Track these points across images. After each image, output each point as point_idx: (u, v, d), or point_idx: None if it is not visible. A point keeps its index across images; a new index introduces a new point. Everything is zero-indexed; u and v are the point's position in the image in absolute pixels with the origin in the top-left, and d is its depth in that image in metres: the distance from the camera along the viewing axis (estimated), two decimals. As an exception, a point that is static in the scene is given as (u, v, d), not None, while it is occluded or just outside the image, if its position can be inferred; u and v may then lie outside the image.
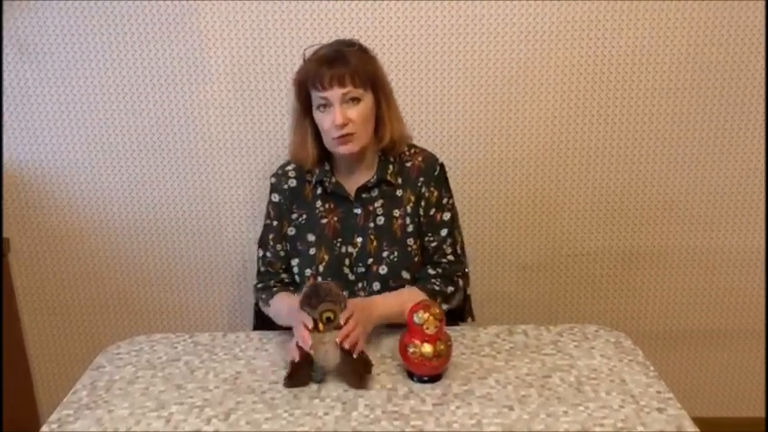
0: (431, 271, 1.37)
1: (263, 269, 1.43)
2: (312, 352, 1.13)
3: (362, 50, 1.32)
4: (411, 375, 1.15)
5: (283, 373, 1.17)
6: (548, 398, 1.09)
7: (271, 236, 1.41)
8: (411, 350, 1.12)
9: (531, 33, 1.75)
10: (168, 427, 1.04)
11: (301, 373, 1.14)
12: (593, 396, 1.09)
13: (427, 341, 1.11)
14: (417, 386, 1.13)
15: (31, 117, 1.81)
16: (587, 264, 1.94)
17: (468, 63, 1.77)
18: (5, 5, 1.72)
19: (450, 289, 1.36)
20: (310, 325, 1.14)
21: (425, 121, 1.80)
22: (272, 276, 1.42)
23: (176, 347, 1.29)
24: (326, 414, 1.06)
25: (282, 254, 1.41)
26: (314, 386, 1.14)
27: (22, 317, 1.96)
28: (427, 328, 1.11)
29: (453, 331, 1.28)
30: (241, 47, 1.76)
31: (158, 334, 1.34)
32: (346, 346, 1.13)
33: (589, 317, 1.98)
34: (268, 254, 1.41)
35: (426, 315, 1.11)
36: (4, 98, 1.79)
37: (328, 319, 1.14)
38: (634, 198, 1.89)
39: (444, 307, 1.32)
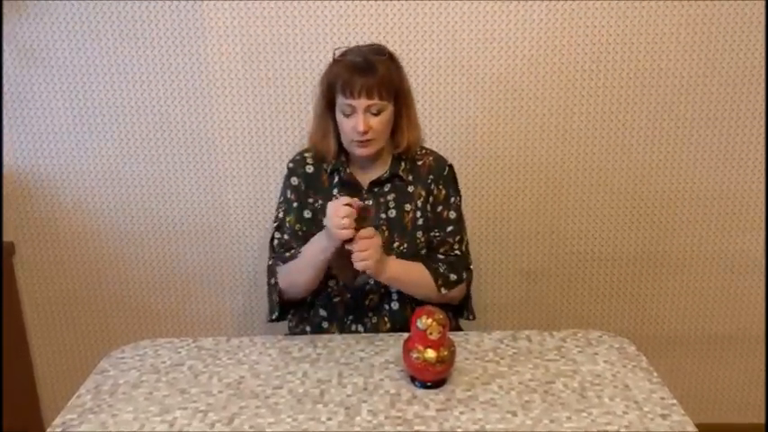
0: (439, 256, 1.41)
1: (279, 250, 1.42)
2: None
3: (391, 59, 1.35)
4: (414, 380, 1.15)
5: (288, 377, 1.18)
6: (551, 403, 1.09)
7: (289, 217, 1.42)
8: (414, 355, 1.12)
9: (537, 37, 1.75)
10: (172, 432, 1.04)
11: (346, 263, 1.26)
12: (597, 402, 1.09)
13: (431, 346, 1.11)
14: (421, 391, 1.13)
15: (34, 121, 1.82)
16: (591, 269, 1.94)
17: (475, 66, 1.77)
18: (6, 7, 1.72)
19: (453, 276, 1.39)
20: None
21: (432, 127, 1.81)
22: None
23: (180, 352, 1.29)
24: (330, 419, 1.06)
25: (300, 234, 1.41)
26: (316, 391, 1.14)
27: (26, 321, 1.96)
28: (431, 334, 1.11)
29: (457, 337, 1.29)
30: (245, 49, 1.76)
31: (162, 339, 1.34)
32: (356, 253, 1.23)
33: (592, 323, 1.98)
34: (285, 235, 1.41)
35: (430, 321, 1.11)
36: (8, 102, 1.80)
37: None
38: (638, 204, 1.89)
39: (443, 291, 1.36)
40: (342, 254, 1.25)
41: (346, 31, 1.74)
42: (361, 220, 1.22)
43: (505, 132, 1.83)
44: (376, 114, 1.30)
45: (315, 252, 1.30)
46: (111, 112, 1.81)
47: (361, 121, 1.29)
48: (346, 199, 1.22)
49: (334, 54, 1.36)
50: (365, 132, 1.29)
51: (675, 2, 1.73)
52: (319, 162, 1.43)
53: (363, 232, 1.22)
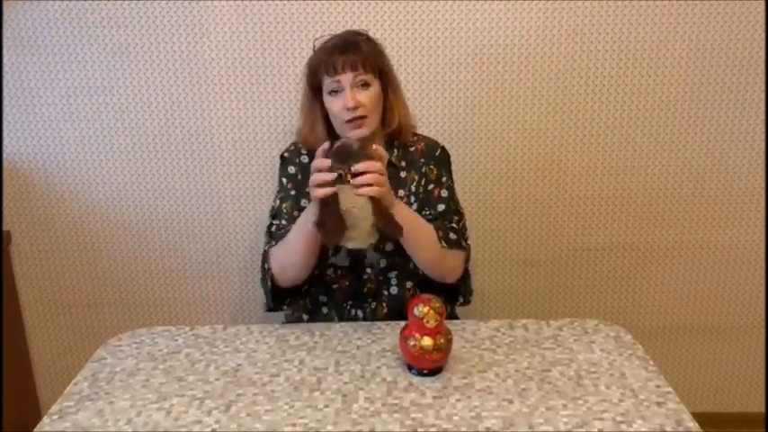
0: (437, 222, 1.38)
1: (277, 233, 1.39)
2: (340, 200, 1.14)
3: (370, 40, 1.36)
4: (411, 368, 1.15)
5: (285, 365, 1.18)
6: (547, 391, 1.09)
7: (285, 204, 1.40)
8: (411, 343, 1.12)
9: (536, 31, 1.75)
10: (169, 419, 1.04)
11: (330, 221, 1.15)
12: (593, 390, 1.09)
13: (427, 334, 1.11)
14: (417, 379, 1.13)
15: (32, 110, 1.81)
16: (588, 259, 1.95)
17: (473, 57, 1.77)
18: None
19: (453, 236, 1.36)
20: (331, 177, 1.13)
21: (428, 116, 1.80)
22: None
23: (177, 340, 1.29)
24: (327, 406, 1.06)
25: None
26: (313, 379, 1.14)
27: (23, 309, 1.96)
28: (427, 322, 1.11)
29: (454, 325, 1.29)
30: (243, 42, 1.76)
31: (159, 326, 1.34)
32: (363, 181, 1.13)
33: (589, 311, 1.98)
34: (283, 221, 1.39)
35: (427, 309, 1.11)
36: (5, 91, 1.79)
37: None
38: (635, 193, 1.89)
39: (443, 244, 1.33)
40: (327, 213, 1.17)
41: (343, 29, 1.73)
42: (344, 160, 1.13)
43: (502, 122, 1.83)
44: (363, 89, 1.29)
45: (303, 220, 1.26)
46: (108, 103, 1.80)
47: (349, 96, 1.28)
48: (320, 149, 1.16)
49: (314, 45, 1.37)
50: (356, 108, 1.28)
51: (675, 1, 1.72)
52: (312, 152, 1.42)
53: (358, 166, 1.13)
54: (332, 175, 1.13)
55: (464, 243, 1.40)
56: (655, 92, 1.80)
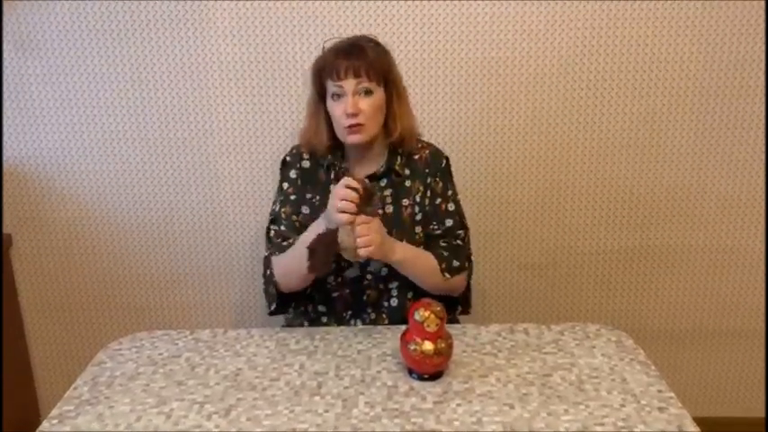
0: (441, 243, 1.40)
1: (276, 240, 1.40)
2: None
3: (379, 46, 1.36)
4: (412, 373, 1.15)
5: (285, 369, 1.18)
6: (548, 396, 1.09)
7: (285, 209, 1.40)
8: (412, 348, 1.12)
9: (537, 33, 1.75)
10: (169, 423, 1.04)
11: (322, 250, 1.21)
12: (594, 395, 1.09)
13: (428, 339, 1.11)
14: (418, 384, 1.13)
15: (32, 113, 1.81)
16: (589, 263, 1.94)
17: (474, 61, 1.77)
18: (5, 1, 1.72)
19: (456, 263, 1.38)
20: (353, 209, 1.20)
21: (429, 119, 1.80)
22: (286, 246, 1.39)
23: (177, 344, 1.29)
24: (327, 411, 1.06)
25: (298, 225, 1.39)
26: (313, 383, 1.14)
27: (23, 312, 1.96)
28: (428, 326, 1.11)
29: (454, 329, 1.28)
30: (245, 44, 1.76)
31: (159, 330, 1.34)
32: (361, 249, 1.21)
33: (590, 316, 1.98)
34: (282, 227, 1.40)
35: (427, 313, 1.11)
36: (5, 94, 1.79)
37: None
38: (636, 197, 1.88)
39: (446, 276, 1.36)
40: (322, 241, 1.22)
41: (344, 32, 1.72)
42: (365, 203, 1.20)
43: (505, 125, 1.82)
44: (365, 96, 1.29)
45: (310, 237, 1.27)
46: (108, 105, 1.81)
47: (350, 102, 1.28)
48: (348, 180, 1.20)
49: (323, 46, 1.37)
50: (355, 114, 1.28)
51: (675, 2, 1.72)
52: (314, 157, 1.42)
53: (360, 219, 1.20)
54: (352, 207, 1.19)
55: (467, 263, 1.42)
56: (657, 96, 1.80)
